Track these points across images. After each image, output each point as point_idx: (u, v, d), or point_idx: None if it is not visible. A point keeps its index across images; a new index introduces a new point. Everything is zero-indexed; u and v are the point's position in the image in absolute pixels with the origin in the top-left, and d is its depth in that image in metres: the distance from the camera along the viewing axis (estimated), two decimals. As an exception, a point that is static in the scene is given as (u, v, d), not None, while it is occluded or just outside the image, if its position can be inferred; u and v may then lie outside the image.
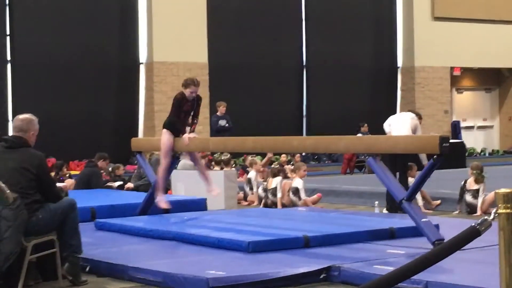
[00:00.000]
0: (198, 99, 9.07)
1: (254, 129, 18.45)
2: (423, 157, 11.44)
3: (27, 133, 6.12)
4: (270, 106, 22.37)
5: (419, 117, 11.77)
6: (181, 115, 9.02)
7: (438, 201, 11.70)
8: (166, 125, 9.11)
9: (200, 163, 9.70)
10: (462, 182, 11.15)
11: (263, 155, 16.00)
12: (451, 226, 7.65)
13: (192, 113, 9.08)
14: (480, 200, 10.84)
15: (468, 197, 10.99)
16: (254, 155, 16.58)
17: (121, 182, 13.86)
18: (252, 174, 13.51)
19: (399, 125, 11.29)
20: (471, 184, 11.01)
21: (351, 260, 6.25)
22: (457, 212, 11.08)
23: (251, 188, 13.33)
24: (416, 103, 24.28)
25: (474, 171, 11.01)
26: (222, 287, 5.63)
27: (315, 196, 12.28)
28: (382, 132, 11.48)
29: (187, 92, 8.95)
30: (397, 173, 10.89)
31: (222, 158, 13.81)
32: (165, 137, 9.06)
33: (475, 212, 10.81)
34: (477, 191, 10.89)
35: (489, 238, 4.31)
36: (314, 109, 23.47)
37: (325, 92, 23.36)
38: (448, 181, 13.09)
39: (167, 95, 19.56)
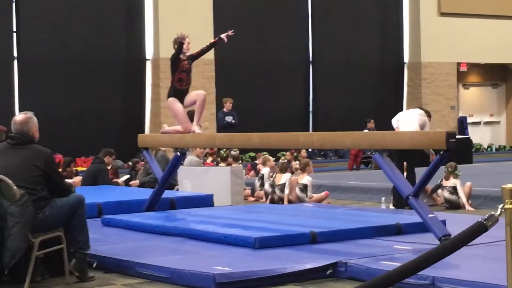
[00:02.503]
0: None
1: (261, 125, 18.44)
2: (430, 152, 11.43)
3: (30, 132, 6.13)
4: (276, 102, 22.34)
5: (428, 114, 11.75)
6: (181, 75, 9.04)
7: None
8: (171, 94, 9.13)
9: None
10: (439, 180, 11.45)
11: (269, 151, 15.93)
12: (457, 221, 7.64)
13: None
14: (462, 195, 11.18)
15: (446, 193, 11.35)
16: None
17: (128, 176, 13.89)
18: (265, 170, 13.38)
19: (407, 121, 11.28)
20: (446, 181, 11.39)
21: (358, 256, 6.25)
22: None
23: (262, 185, 13.19)
24: (423, 99, 24.23)
25: (447, 169, 11.39)
26: (229, 283, 5.64)
27: (322, 194, 12.24)
28: (389, 128, 11.46)
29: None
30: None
31: (232, 153, 13.82)
32: (177, 105, 9.06)
33: (454, 207, 11.12)
34: (454, 188, 11.25)
35: (496, 233, 4.31)
36: (321, 105, 23.43)
37: (332, 88, 23.32)
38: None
39: (173, 91, 19.55)
